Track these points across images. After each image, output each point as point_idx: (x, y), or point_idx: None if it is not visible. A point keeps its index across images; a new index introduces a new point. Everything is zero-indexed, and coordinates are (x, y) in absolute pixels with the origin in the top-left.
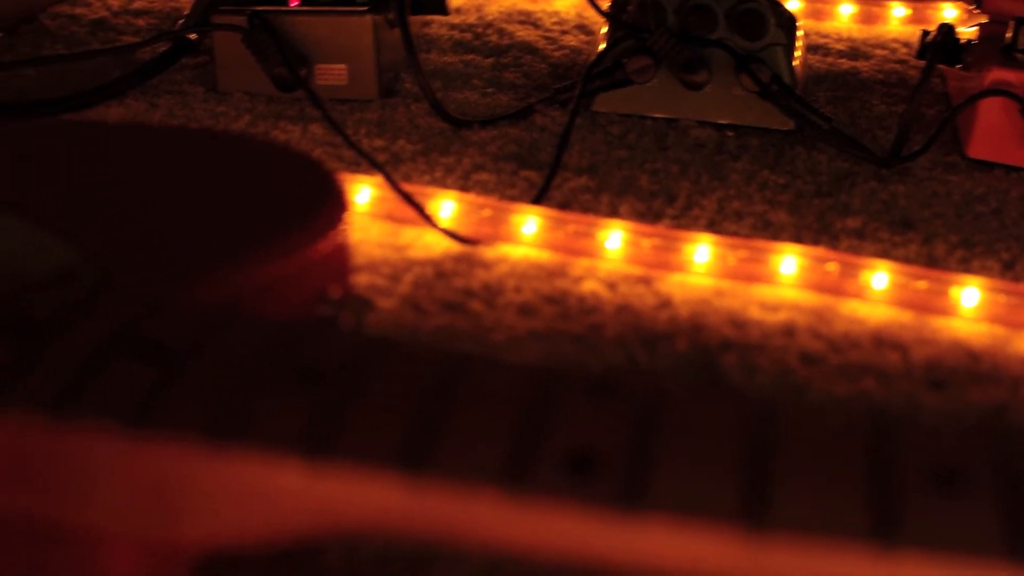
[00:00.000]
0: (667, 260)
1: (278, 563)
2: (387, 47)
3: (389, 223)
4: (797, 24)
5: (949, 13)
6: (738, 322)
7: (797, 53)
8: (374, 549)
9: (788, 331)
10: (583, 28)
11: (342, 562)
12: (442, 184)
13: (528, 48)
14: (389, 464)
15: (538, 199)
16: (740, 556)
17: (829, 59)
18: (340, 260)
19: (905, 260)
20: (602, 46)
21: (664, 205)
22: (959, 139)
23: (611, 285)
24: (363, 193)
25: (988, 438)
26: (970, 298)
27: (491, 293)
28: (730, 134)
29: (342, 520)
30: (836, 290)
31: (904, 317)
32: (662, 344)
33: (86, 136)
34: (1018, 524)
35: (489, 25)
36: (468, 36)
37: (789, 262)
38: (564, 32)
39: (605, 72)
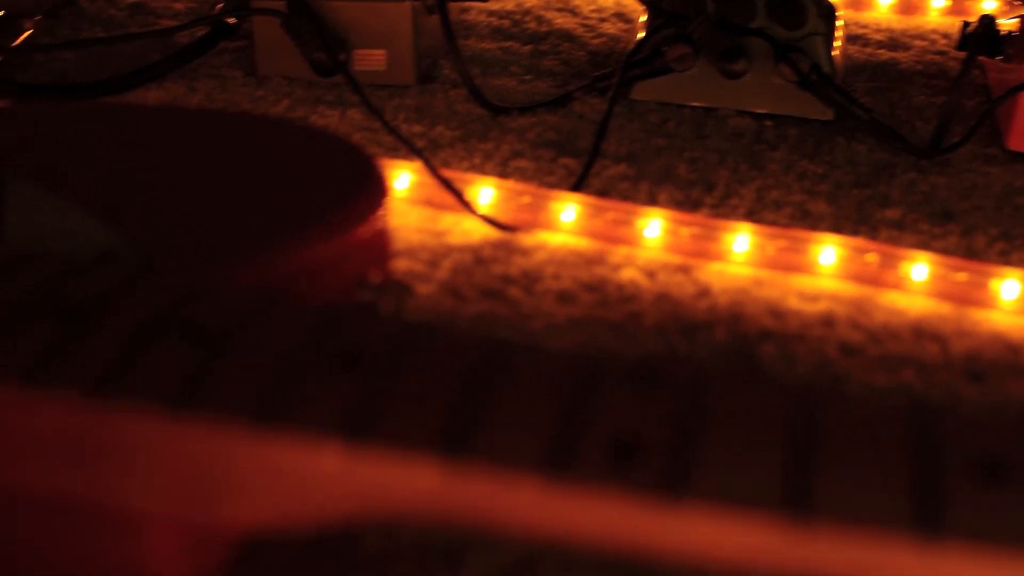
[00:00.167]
0: (706, 249)
1: (316, 546)
2: (425, 33)
3: (428, 209)
4: (837, 13)
5: (989, 4)
6: (777, 312)
7: (837, 43)
8: (412, 534)
9: (827, 321)
10: (621, 16)
11: (380, 546)
12: (480, 170)
13: (566, 35)
14: (430, 449)
15: (577, 186)
16: (782, 545)
17: (868, 49)
18: (380, 245)
19: (944, 252)
20: (640, 34)
21: (703, 194)
22: (999, 131)
23: (650, 273)
24: (402, 178)
25: None
26: (1010, 290)
27: (530, 280)
28: (769, 123)
29: (381, 504)
30: (875, 281)
31: (943, 309)
32: (701, 333)
33: (126, 119)
34: None
35: (527, 12)
36: (506, 23)
37: (828, 252)
38: (602, 20)
39: (644, 60)
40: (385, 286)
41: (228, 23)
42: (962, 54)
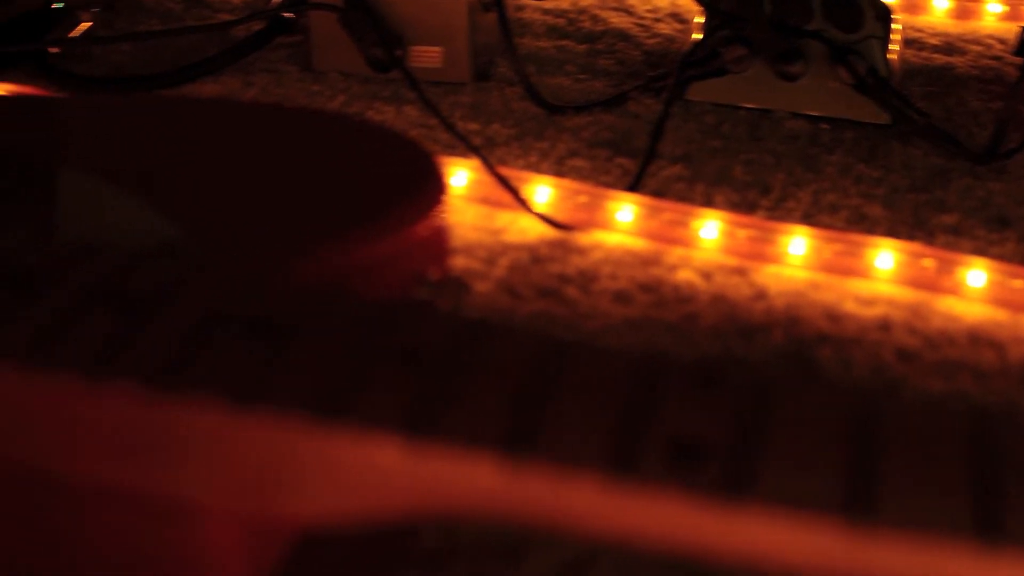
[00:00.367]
0: (763, 251)
1: (374, 542)
2: (482, 30)
3: (484, 206)
4: (893, 17)
5: None
6: (834, 316)
7: (893, 46)
8: (470, 531)
9: (884, 326)
10: (676, 16)
11: (438, 543)
12: (536, 169)
13: (621, 35)
14: (490, 446)
15: (633, 186)
16: (843, 550)
17: (924, 53)
18: (439, 242)
19: (1001, 258)
20: (696, 35)
21: (759, 196)
22: None
23: (706, 275)
24: (459, 176)
25: None
26: None
27: (586, 279)
28: (824, 126)
29: (440, 501)
30: (932, 286)
31: (1000, 315)
32: (758, 336)
33: (183, 112)
34: None
35: (583, 11)
36: (562, 21)
37: (885, 257)
38: (657, 20)
39: (700, 61)
40: (443, 283)
41: (285, 18)
42: (1019, 60)
